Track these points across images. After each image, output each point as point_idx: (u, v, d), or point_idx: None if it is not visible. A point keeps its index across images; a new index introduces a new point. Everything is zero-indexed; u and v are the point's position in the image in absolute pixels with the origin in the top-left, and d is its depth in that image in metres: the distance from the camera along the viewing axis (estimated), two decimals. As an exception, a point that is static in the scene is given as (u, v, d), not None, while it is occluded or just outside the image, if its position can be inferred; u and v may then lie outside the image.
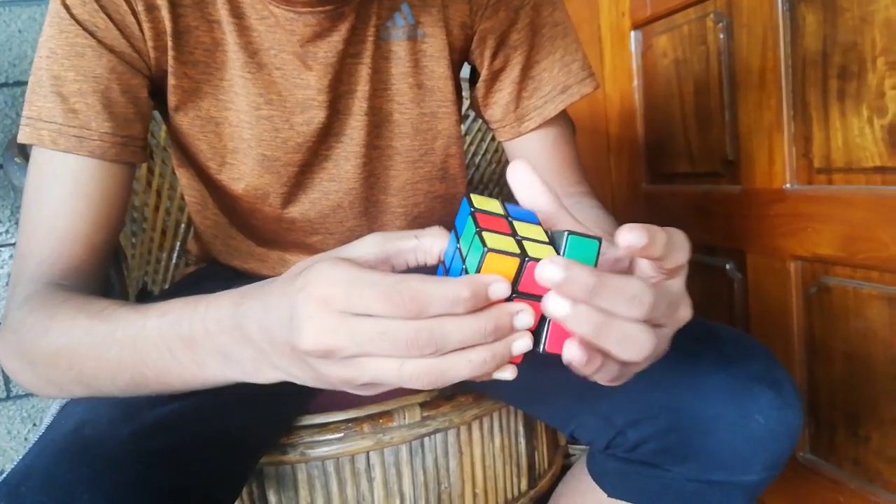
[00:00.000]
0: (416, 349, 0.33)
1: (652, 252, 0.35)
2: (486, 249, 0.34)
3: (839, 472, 0.94)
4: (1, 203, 1.28)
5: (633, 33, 1.30)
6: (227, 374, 0.44)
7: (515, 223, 0.38)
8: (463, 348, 0.34)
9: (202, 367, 0.45)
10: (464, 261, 0.37)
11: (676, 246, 0.36)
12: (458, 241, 0.39)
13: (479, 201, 0.39)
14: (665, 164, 1.27)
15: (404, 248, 0.41)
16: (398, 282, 0.34)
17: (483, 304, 0.34)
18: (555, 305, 0.33)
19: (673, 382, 0.58)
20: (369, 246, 0.40)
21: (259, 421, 0.64)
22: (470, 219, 0.37)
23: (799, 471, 0.98)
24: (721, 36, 1.05)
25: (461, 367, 0.34)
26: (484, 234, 0.35)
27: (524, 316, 0.35)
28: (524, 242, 0.36)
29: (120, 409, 0.50)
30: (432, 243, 0.41)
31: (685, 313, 0.39)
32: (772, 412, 0.55)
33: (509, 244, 0.36)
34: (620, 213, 1.37)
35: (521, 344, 0.35)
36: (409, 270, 0.41)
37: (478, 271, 0.35)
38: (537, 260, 0.34)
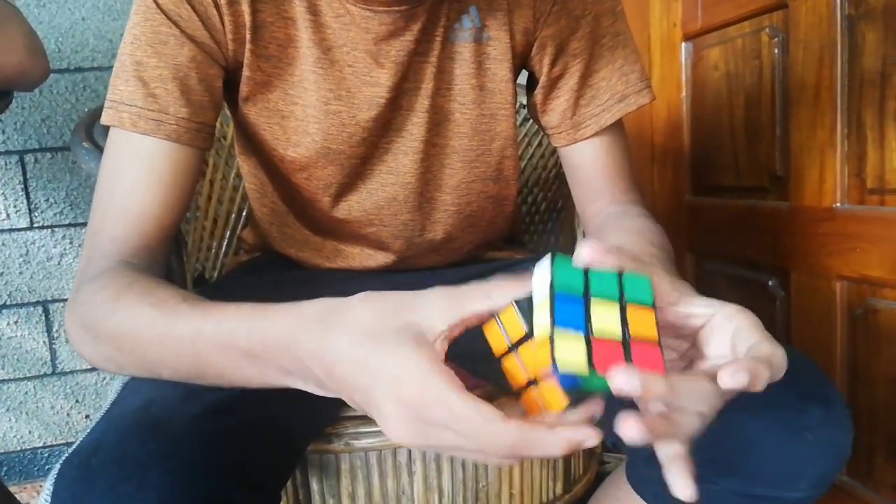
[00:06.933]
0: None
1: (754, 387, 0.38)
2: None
3: (877, 497, 0.93)
4: (56, 185, 1.31)
5: (683, 44, 1.29)
6: (289, 383, 0.46)
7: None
8: None
9: (263, 376, 0.47)
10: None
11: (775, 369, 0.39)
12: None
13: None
14: (709, 177, 1.26)
15: (477, 310, 0.41)
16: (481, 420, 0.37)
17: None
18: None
19: (721, 395, 0.58)
20: (438, 318, 0.40)
21: (309, 408, 0.65)
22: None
23: (836, 494, 0.97)
24: (776, 51, 1.05)
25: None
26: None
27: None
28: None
29: (184, 389, 0.52)
30: (503, 299, 0.41)
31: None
32: (822, 430, 0.55)
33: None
34: (661, 224, 1.36)
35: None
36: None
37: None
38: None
